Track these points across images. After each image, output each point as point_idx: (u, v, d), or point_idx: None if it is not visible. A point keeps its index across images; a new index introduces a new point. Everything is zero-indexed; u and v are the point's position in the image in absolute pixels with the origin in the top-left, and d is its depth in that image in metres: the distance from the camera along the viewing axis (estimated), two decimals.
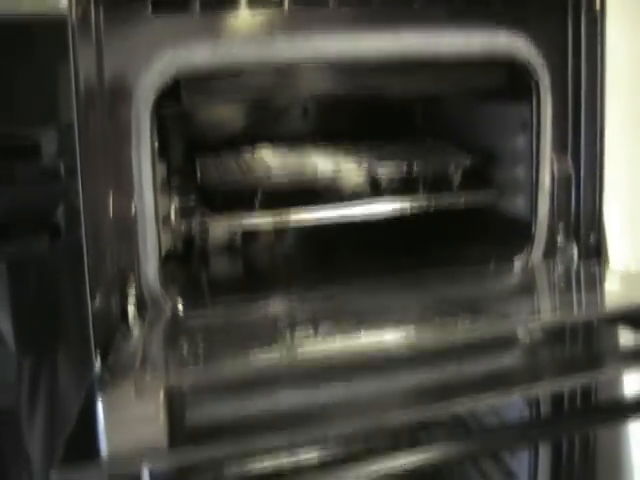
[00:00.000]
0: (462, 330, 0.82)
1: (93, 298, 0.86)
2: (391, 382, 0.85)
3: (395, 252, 1.21)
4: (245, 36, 0.92)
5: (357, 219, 1.12)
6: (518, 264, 1.05)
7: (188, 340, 0.87)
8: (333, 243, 1.28)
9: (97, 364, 0.80)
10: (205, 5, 0.89)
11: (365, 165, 1.17)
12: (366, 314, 0.93)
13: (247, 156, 1.30)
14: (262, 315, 0.96)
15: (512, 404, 1.10)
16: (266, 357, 0.76)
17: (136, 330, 0.85)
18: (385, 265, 1.13)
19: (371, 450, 1.20)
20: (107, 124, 0.87)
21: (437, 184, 1.18)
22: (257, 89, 1.00)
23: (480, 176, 1.20)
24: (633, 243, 1.15)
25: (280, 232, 1.32)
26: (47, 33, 0.90)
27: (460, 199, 1.15)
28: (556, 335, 0.98)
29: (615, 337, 0.95)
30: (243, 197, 1.12)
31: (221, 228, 1.21)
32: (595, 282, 1.02)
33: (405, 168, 1.16)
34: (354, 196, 1.16)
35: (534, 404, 1.07)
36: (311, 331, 0.87)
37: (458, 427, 1.20)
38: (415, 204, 1.14)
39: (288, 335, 0.87)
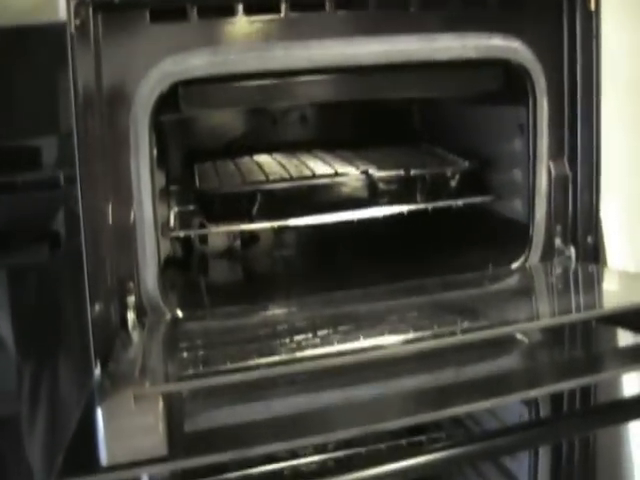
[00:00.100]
0: (461, 333, 0.82)
1: (93, 305, 0.86)
2: (390, 386, 0.85)
3: (394, 257, 1.22)
4: (243, 43, 0.92)
5: (354, 224, 1.12)
6: (516, 267, 1.05)
7: (187, 347, 0.87)
8: (332, 249, 1.29)
9: (97, 371, 0.81)
10: (202, 13, 0.90)
11: (363, 170, 1.17)
12: (365, 319, 0.93)
13: (245, 162, 1.30)
14: (261, 320, 0.97)
15: (511, 407, 1.10)
16: (265, 362, 0.77)
17: (136, 337, 0.86)
18: (384, 270, 1.13)
19: (371, 454, 1.20)
20: (106, 132, 0.88)
21: (435, 188, 1.19)
22: (255, 96, 1.01)
23: (478, 179, 1.20)
24: (631, 244, 1.15)
25: (279, 238, 1.33)
26: (46, 42, 0.91)
27: (458, 203, 1.15)
28: (555, 337, 0.98)
29: (614, 338, 0.95)
30: (242, 203, 1.12)
31: (220, 234, 1.22)
32: (593, 283, 1.03)
33: (403, 173, 1.16)
34: (352, 201, 1.17)
35: (533, 406, 1.08)
36: (310, 336, 0.88)
37: (457, 430, 1.21)
38: (413, 208, 1.14)
39: (287, 340, 0.88)
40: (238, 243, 1.30)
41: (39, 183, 0.93)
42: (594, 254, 1.06)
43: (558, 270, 1.04)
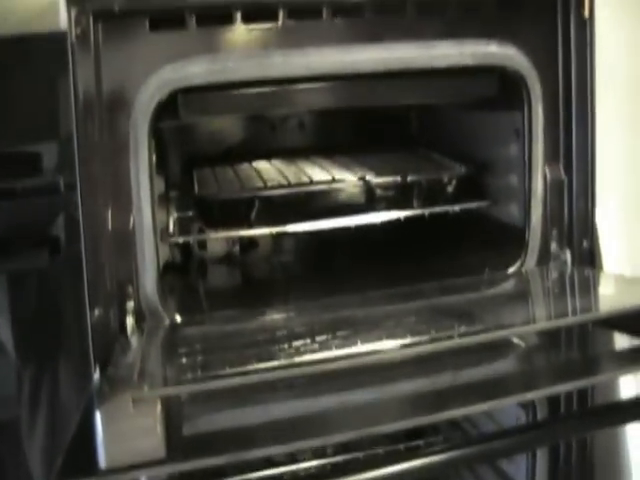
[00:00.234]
0: (458, 337, 0.83)
1: (92, 310, 0.87)
2: (388, 390, 0.86)
3: (391, 261, 1.22)
4: (241, 51, 0.93)
5: (352, 229, 1.13)
6: (512, 271, 1.06)
7: (186, 351, 0.87)
8: (330, 254, 1.29)
9: (96, 376, 0.81)
10: (201, 21, 0.91)
11: (360, 177, 1.18)
12: (363, 324, 0.94)
13: (244, 168, 1.31)
14: (260, 325, 0.97)
15: (509, 410, 1.10)
16: (264, 367, 0.77)
17: (134, 342, 0.86)
18: (381, 275, 1.14)
19: (369, 458, 1.21)
20: (106, 139, 0.89)
21: (432, 194, 1.19)
22: (254, 103, 1.02)
23: (474, 184, 1.21)
24: (627, 248, 1.16)
25: (278, 244, 1.34)
26: (46, 49, 0.92)
27: (455, 208, 1.16)
28: (551, 341, 0.99)
29: (610, 342, 0.96)
30: (240, 209, 1.13)
31: (219, 240, 1.22)
32: (589, 287, 1.03)
33: (400, 179, 1.17)
34: (350, 207, 1.18)
35: (531, 409, 1.08)
36: (309, 341, 0.88)
37: (455, 434, 1.21)
38: (410, 214, 1.15)
39: (286, 345, 0.88)
40: (237, 248, 1.31)
41: (39, 189, 0.94)
42: (590, 258, 1.07)
43: (554, 274, 1.04)
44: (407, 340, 0.83)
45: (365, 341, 0.84)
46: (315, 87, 1.02)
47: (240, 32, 0.93)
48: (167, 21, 0.89)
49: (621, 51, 1.10)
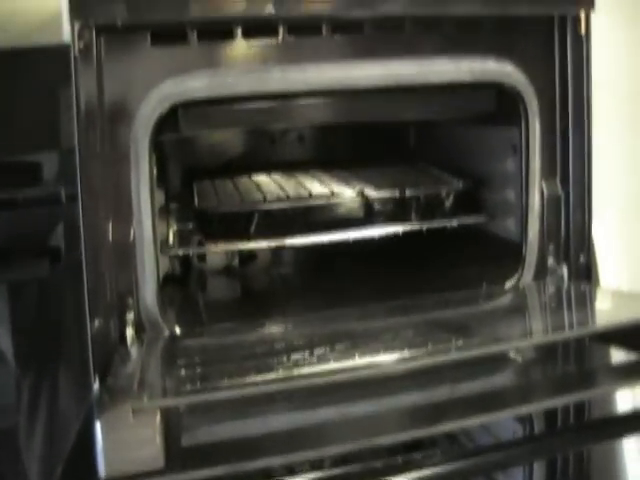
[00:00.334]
0: (455, 351, 0.83)
1: (92, 321, 0.87)
2: (386, 403, 0.86)
3: (389, 275, 1.23)
4: (241, 66, 0.94)
5: (350, 242, 1.14)
6: (510, 285, 1.07)
7: (185, 362, 0.88)
8: (329, 267, 1.30)
9: (96, 386, 0.81)
10: (202, 36, 0.92)
11: (359, 191, 1.19)
12: (361, 337, 0.94)
13: (244, 181, 1.32)
14: (259, 338, 0.97)
15: (506, 423, 1.10)
16: (262, 379, 0.78)
17: (134, 352, 0.87)
18: (379, 288, 1.14)
19: (367, 469, 1.20)
20: (107, 151, 0.89)
21: (430, 208, 1.20)
22: (253, 117, 1.03)
23: (472, 199, 1.22)
24: (624, 262, 1.17)
25: (277, 256, 1.34)
26: (48, 61, 0.93)
27: (452, 223, 1.16)
28: (548, 355, 0.99)
29: (607, 356, 0.96)
30: (240, 222, 1.14)
31: (218, 252, 1.23)
32: (585, 302, 1.04)
33: (398, 193, 1.18)
34: (348, 221, 1.18)
35: (527, 423, 1.08)
36: (307, 353, 0.89)
37: (452, 446, 1.21)
38: (408, 229, 1.16)
39: (284, 357, 0.89)
40: (236, 261, 1.31)
41: (39, 199, 0.95)
42: (586, 273, 1.07)
43: (551, 289, 1.05)
44: (405, 353, 0.83)
45: (363, 354, 0.85)
46: (314, 102, 1.03)
47: (240, 47, 0.94)
48: (169, 36, 0.90)
49: (620, 51, 1.11)
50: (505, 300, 1.07)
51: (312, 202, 1.18)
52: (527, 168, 1.05)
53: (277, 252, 1.33)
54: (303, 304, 1.11)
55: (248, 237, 1.13)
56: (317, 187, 1.23)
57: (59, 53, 0.87)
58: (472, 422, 0.86)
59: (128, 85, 0.90)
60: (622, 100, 1.19)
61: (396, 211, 1.21)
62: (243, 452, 0.73)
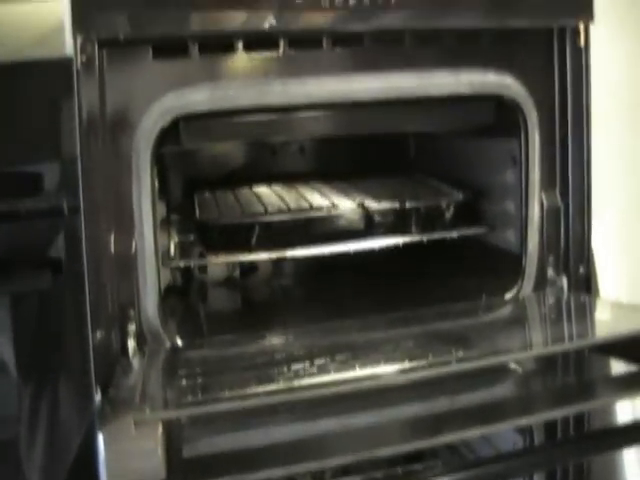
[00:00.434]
0: (456, 362, 0.84)
1: (94, 333, 0.87)
2: (386, 414, 0.86)
3: (389, 286, 1.23)
4: (242, 79, 0.94)
5: (351, 254, 1.14)
6: (509, 297, 1.07)
7: (187, 374, 0.88)
8: (330, 278, 1.30)
9: (97, 397, 0.82)
10: (203, 50, 0.92)
11: (359, 203, 1.19)
12: (361, 348, 0.94)
13: (245, 193, 1.32)
14: (260, 349, 0.98)
15: (506, 434, 1.10)
16: (263, 391, 0.78)
17: (136, 364, 0.87)
18: (380, 299, 1.14)
19: None
20: (109, 163, 0.90)
21: (430, 220, 1.21)
22: (254, 130, 1.03)
23: (471, 210, 1.22)
24: (624, 262, 1.17)
25: (278, 268, 1.34)
26: (50, 74, 0.93)
27: (452, 235, 1.17)
28: (548, 366, 0.99)
29: (606, 367, 0.97)
30: (241, 234, 1.14)
31: (219, 264, 1.23)
32: (585, 313, 1.04)
33: (398, 205, 1.18)
34: (349, 233, 1.19)
35: (527, 434, 1.08)
36: (307, 365, 0.89)
37: (452, 458, 1.21)
38: (408, 240, 1.16)
39: (285, 368, 0.89)
40: (237, 272, 1.32)
41: (41, 211, 0.95)
42: (586, 283, 1.08)
43: (551, 300, 1.05)
44: (405, 365, 0.83)
45: (363, 365, 0.85)
46: (315, 115, 1.04)
47: (241, 61, 0.94)
48: (170, 49, 0.91)
49: (620, 61, 1.12)
50: (505, 311, 1.07)
51: (313, 214, 1.18)
52: (527, 180, 1.06)
53: (278, 264, 1.33)
54: (304, 315, 1.11)
55: (249, 249, 1.14)
56: (318, 199, 1.24)
57: (61, 66, 0.88)
58: (472, 433, 0.87)
59: (130, 98, 0.90)
60: (622, 111, 1.19)
61: (396, 223, 1.22)
62: (244, 463, 0.73)
